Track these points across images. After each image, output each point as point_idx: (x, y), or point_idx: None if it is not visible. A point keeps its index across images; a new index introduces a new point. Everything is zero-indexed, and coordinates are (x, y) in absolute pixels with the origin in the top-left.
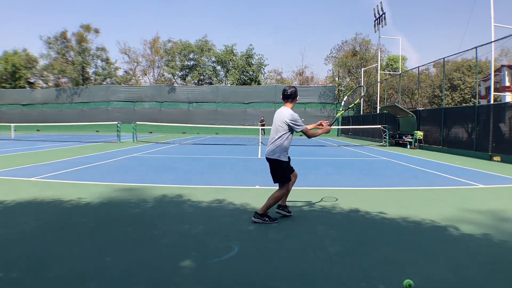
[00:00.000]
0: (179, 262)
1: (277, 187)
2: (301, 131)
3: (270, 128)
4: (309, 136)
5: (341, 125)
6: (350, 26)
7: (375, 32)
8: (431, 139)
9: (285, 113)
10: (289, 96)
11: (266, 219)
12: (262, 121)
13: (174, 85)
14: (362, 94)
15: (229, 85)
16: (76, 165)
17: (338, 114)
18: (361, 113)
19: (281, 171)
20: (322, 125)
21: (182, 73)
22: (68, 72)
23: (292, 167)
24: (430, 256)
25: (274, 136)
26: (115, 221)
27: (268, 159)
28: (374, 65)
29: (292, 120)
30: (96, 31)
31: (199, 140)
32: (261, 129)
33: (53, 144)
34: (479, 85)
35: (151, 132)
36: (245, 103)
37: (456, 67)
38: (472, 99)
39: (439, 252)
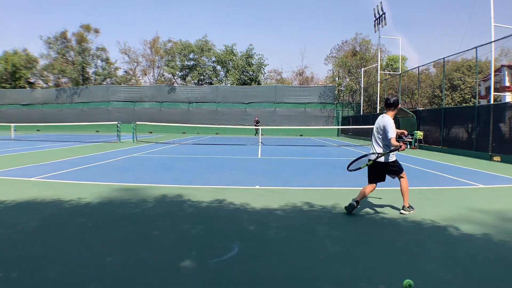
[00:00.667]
0: (179, 262)
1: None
2: (389, 139)
3: (265, 128)
4: (393, 146)
5: (341, 125)
6: (350, 26)
7: (375, 32)
8: (431, 139)
9: (385, 120)
10: (391, 105)
11: (411, 210)
12: (257, 121)
13: (174, 85)
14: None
15: (229, 85)
16: (76, 165)
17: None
18: (361, 113)
19: (396, 167)
20: (402, 138)
21: (182, 73)
22: (68, 72)
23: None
24: (430, 256)
25: (377, 141)
26: (115, 221)
27: (380, 163)
28: (374, 65)
29: (385, 127)
30: (96, 31)
31: (199, 140)
32: (256, 129)
33: (53, 144)
34: (479, 85)
35: (151, 132)
36: (245, 103)
37: (456, 67)
38: (472, 99)
39: (439, 252)
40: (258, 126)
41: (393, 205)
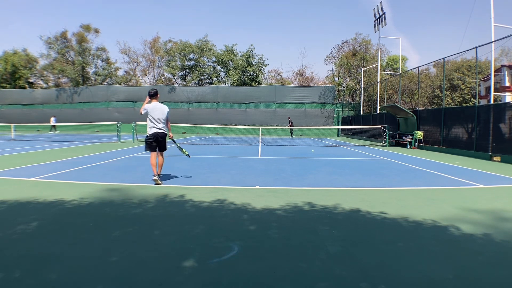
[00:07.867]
0: (179, 262)
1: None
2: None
3: (265, 128)
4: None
5: (341, 125)
6: (350, 26)
7: (375, 32)
8: (431, 139)
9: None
10: (152, 96)
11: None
12: (290, 121)
13: (174, 85)
14: None
15: (229, 85)
16: (76, 165)
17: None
18: (361, 113)
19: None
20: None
21: (182, 73)
22: (68, 72)
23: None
24: (430, 256)
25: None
26: (115, 221)
27: (162, 134)
28: (374, 65)
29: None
30: (96, 31)
31: (199, 140)
32: (290, 130)
33: (53, 144)
34: (479, 85)
35: None
36: (245, 103)
37: (456, 67)
38: (472, 99)
39: (439, 252)
40: (291, 126)
41: (393, 205)
